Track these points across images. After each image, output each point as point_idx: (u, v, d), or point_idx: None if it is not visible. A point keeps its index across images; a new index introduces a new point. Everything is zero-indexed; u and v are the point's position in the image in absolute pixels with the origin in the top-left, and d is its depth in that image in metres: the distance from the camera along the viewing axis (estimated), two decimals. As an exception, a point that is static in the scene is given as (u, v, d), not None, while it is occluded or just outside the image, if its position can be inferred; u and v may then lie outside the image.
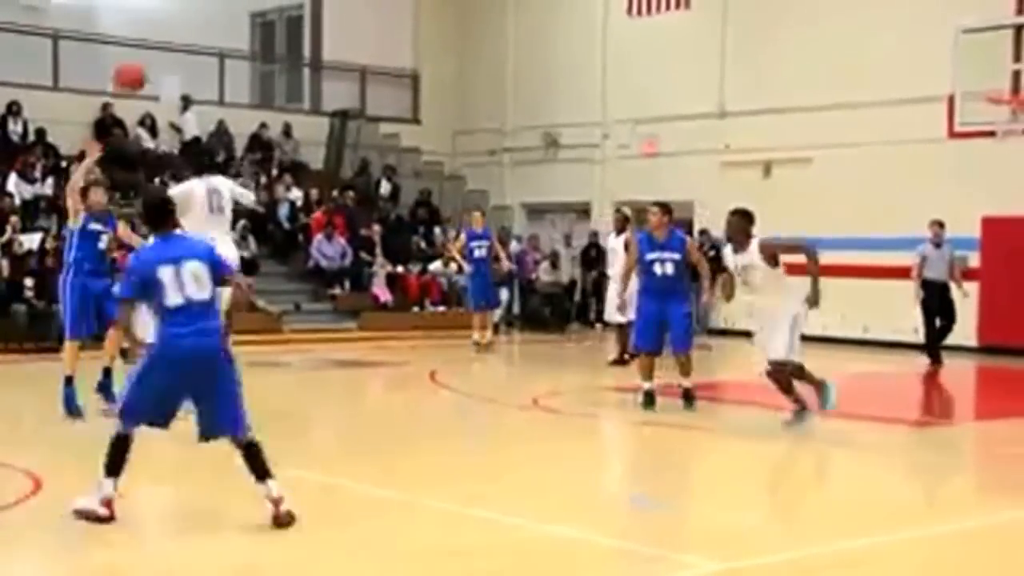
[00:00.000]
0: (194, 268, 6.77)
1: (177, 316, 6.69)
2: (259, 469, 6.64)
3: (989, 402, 15.17)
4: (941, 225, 16.90)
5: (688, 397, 11.92)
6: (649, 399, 11.93)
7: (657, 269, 11.82)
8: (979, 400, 15.78)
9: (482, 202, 24.80)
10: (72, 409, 10.74)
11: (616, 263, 15.62)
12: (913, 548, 6.98)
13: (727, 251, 10.68)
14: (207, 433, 6.78)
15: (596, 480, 8.61)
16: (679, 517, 7.71)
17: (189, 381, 6.69)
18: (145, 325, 7.37)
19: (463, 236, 19.15)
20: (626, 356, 15.72)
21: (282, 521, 6.59)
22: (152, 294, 6.75)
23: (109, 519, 6.71)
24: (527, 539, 6.51)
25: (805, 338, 10.87)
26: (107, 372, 10.90)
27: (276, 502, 6.59)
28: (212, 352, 6.75)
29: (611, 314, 15.88)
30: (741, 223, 10.52)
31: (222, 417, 6.72)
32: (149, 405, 6.74)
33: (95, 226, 10.82)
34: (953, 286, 16.85)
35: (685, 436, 11.15)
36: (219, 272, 6.95)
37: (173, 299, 6.69)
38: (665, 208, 11.95)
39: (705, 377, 15.27)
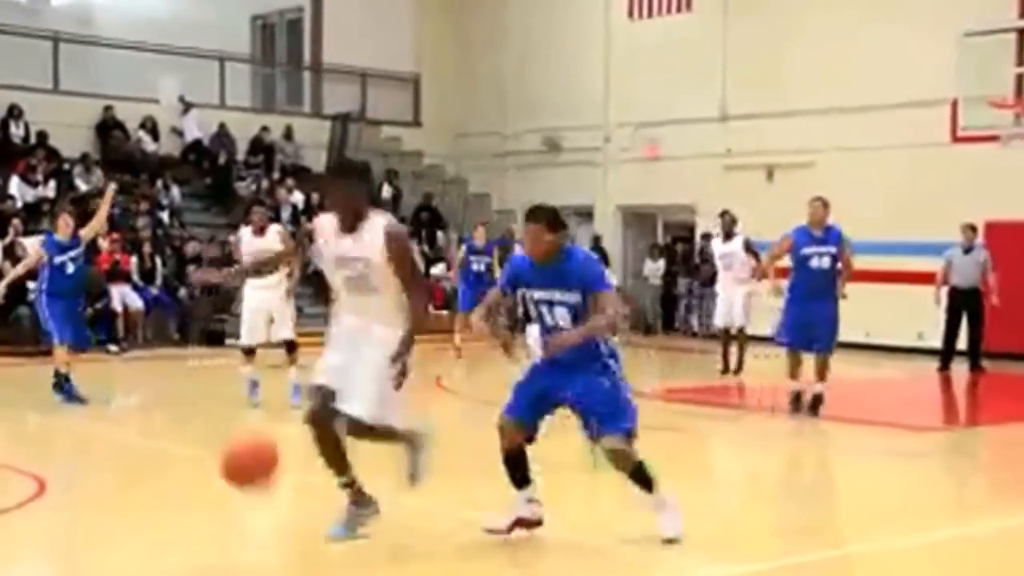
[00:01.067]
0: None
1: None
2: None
3: (997, 407, 15.09)
4: (973, 229, 16.69)
5: (815, 403, 11.63)
6: (796, 400, 11.75)
7: (814, 263, 11.57)
8: (988, 405, 15.67)
9: (484, 205, 24.77)
10: (73, 398, 12.09)
11: (735, 266, 15.41)
12: (921, 552, 6.98)
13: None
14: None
15: (596, 482, 8.57)
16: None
17: (564, 379, 6.63)
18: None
19: (463, 248, 18.86)
20: (740, 366, 15.42)
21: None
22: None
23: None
24: (525, 540, 6.57)
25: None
26: (66, 378, 12.19)
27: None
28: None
29: (736, 319, 15.39)
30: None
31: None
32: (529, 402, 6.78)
33: (60, 257, 12.13)
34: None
35: (687, 440, 11.10)
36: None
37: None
38: (825, 201, 11.67)
39: (712, 380, 15.30)
